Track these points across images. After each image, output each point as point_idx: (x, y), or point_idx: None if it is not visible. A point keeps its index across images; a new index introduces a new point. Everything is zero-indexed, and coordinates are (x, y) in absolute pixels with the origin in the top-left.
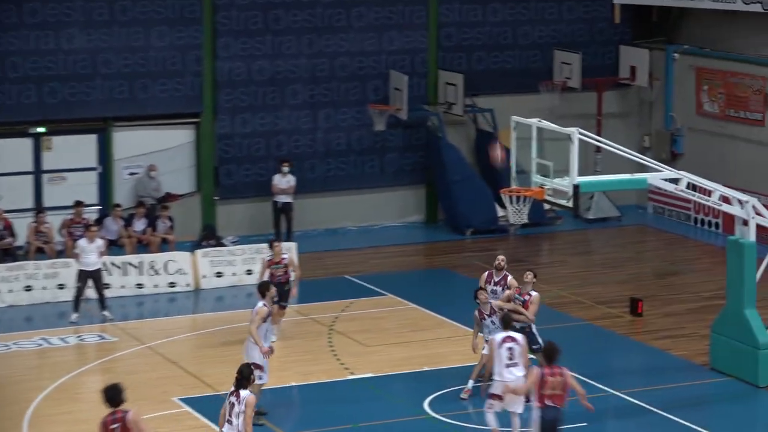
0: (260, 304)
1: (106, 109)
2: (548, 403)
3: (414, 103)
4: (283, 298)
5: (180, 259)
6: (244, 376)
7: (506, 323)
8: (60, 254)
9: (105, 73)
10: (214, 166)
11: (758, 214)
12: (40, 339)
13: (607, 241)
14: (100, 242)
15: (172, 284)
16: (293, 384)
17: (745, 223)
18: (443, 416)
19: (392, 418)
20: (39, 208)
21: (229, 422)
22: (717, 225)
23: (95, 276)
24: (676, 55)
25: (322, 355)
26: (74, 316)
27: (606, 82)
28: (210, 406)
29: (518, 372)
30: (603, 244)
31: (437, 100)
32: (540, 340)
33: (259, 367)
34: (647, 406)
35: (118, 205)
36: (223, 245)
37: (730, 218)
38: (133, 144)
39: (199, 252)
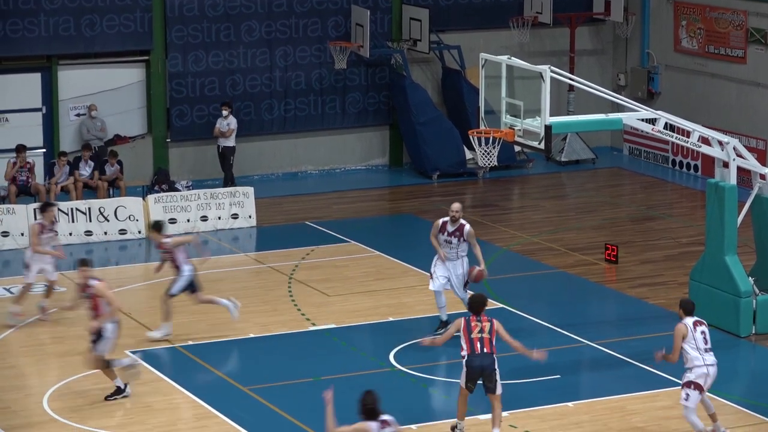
0: None
1: (50, 46)
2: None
3: (377, 39)
4: None
5: (131, 204)
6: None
7: None
8: (4, 200)
9: (49, 8)
10: (166, 106)
11: (739, 155)
12: None
13: (580, 185)
14: None
15: (122, 231)
16: (252, 336)
17: (726, 165)
18: (409, 368)
19: (356, 371)
20: None
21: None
22: (696, 167)
23: None
24: None
25: (281, 305)
26: None
27: (579, 17)
28: (164, 359)
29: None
30: (576, 187)
31: (401, 37)
32: None
33: None
34: (623, 357)
35: (63, 154)
36: (176, 190)
37: (709, 160)
38: (80, 83)
39: (151, 197)
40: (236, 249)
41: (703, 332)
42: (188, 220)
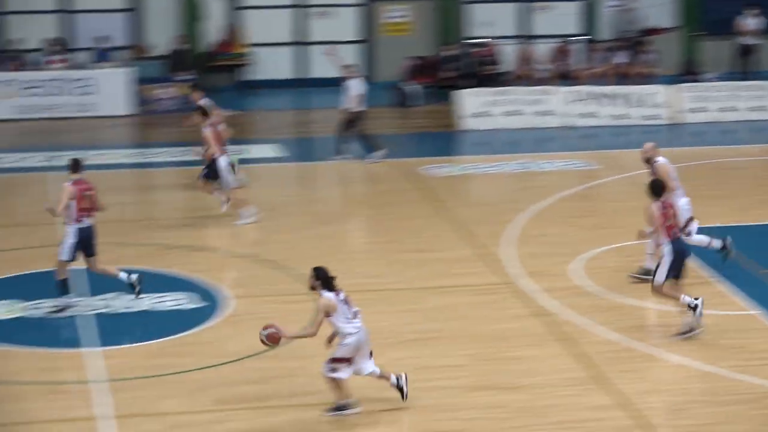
0: None
1: None
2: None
3: None
4: None
5: (660, 92)
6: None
7: None
8: (542, 82)
9: None
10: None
11: None
12: (523, 163)
13: None
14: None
15: (652, 117)
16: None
17: None
18: None
19: None
20: (525, 36)
21: None
22: None
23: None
24: None
25: None
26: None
27: None
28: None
29: None
30: None
31: None
32: None
33: None
34: None
35: (595, 41)
36: (703, 81)
37: None
38: None
39: (679, 86)
40: (757, 141)
41: None
42: (714, 110)
